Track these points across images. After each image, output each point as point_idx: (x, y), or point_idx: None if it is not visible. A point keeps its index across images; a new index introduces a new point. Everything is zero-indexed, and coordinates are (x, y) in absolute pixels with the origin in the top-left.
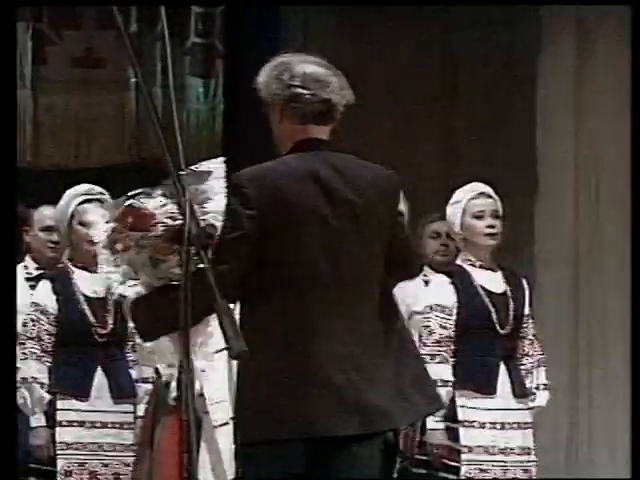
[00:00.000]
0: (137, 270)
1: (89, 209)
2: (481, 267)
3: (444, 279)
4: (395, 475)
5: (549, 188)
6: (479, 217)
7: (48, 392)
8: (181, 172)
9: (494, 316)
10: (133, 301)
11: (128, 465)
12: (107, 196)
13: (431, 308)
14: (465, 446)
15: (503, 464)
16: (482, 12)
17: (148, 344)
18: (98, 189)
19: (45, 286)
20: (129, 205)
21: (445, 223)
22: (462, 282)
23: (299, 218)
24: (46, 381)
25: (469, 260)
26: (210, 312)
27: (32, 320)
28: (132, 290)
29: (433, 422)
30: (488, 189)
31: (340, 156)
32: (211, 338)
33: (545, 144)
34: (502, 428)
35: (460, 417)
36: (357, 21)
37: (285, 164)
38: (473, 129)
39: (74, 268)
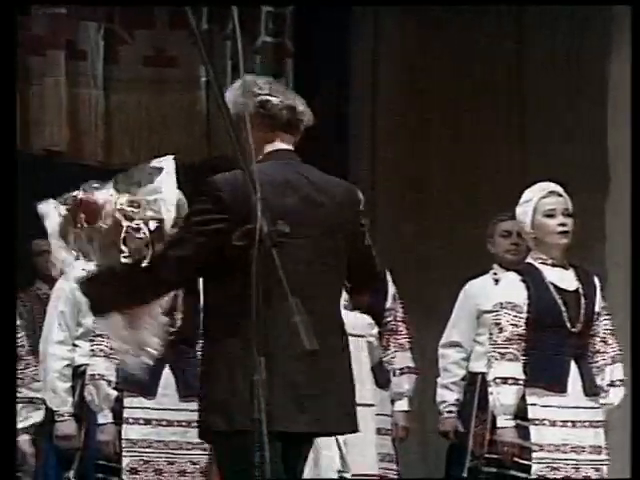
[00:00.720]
0: (87, 256)
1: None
2: (552, 265)
3: (515, 277)
4: (465, 474)
5: (620, 185)
6: (550, 216)
7: (115, 389)
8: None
9: (565, 314)
10: (87, 278)
11: (194, 463)
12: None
13: (501, 306)
14: (536, 444)
15: (575, 462)
16: (551, 11)
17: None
18: None
19: None
20: (78, 197)
21: (516, 222)
22: (533, 280)
23: (272, 219)
24: (113, 378)
25: (540, 258)
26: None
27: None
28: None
29: (504, 420)
30: (558, 188)
31: (308, 167)
32: None
33: (616, 141)
34: (573, 426)
35: (530, 415)
36: (428, 20)
37: (261, 172)
38: (543, 127)
39: None
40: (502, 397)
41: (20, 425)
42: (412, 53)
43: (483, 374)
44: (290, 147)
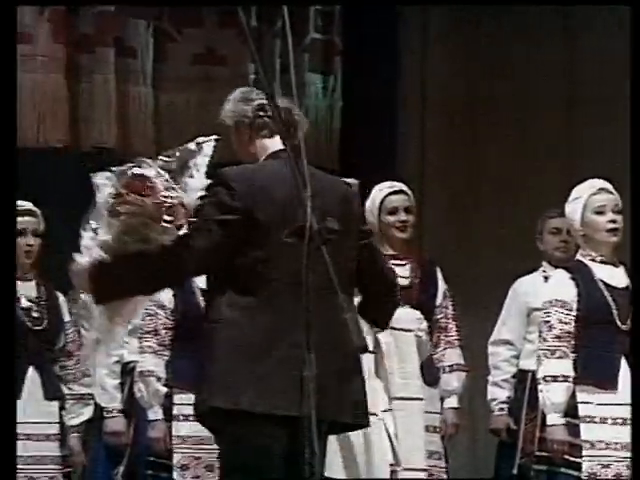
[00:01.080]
0: (132, 232)
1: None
2: (602, 262)
3: (564, 274)
4: (515, 471)
5: None
6: (600, 213)
7: (165, 386)
8: (180, 147)
9: (615, 311)
10: (97, 264)
11: None
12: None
13: (551, 303)
14: (586, 441)
15: (626, 460)
16: (604, 11)
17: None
18: None
19: None
20: (133, 172)
21: (565, 220)
22: (582, 277)
23: (284, 213)
24: (163, 375)
25: (589, 255)
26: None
27: (149, 315)
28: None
29: (554, 418)
30: (608, 185)
31: (307, 165)
32: None
33: None
34: (624, 424)
35: (581, 413)
36: (475, 19)
37: (267, 168)
38: (594, 125)
39: None
40: (552, 395)
41: (71, 422)
42: (461, 53)
43: (533, 372)
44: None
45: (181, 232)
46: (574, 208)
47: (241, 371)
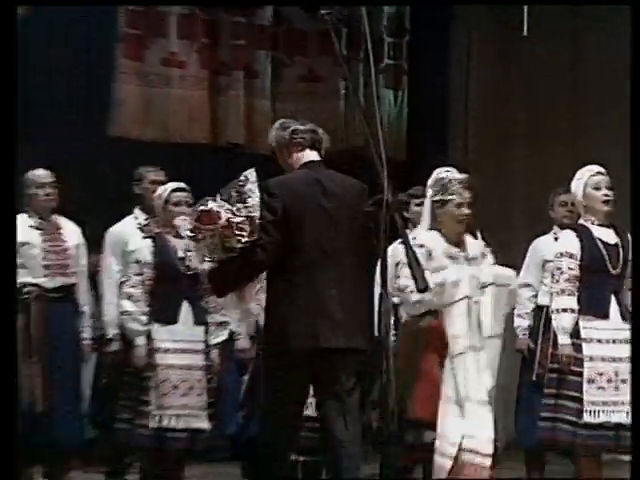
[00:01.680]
0: (209, 251)
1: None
2: (598, 225)
3: (571, 233)
4: (534, 378)
5: None
6: (597, 189)
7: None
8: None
9: (607, 261)
10: (209, 271)
11: None
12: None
13: (562, 255)
14: (587, 356)
15: (615, 369)
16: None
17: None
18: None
19: (146, 242)
20: (200, 209)
21: (570, 195)
22: (585, 236)
23: (309, 208)
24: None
25: (589, 220)
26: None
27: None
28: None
29: (563, 339)
30: (602, 168)
31: (328, 170)
32: None
33: None
34: (614, 343)
35: (583, 335)
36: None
37: (298, 176)
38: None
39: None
40: (562, 322)
41: (212, 342)
42: (499, 65)
43: (547, 306)
44: (316, 159)
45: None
46: (577, 185)
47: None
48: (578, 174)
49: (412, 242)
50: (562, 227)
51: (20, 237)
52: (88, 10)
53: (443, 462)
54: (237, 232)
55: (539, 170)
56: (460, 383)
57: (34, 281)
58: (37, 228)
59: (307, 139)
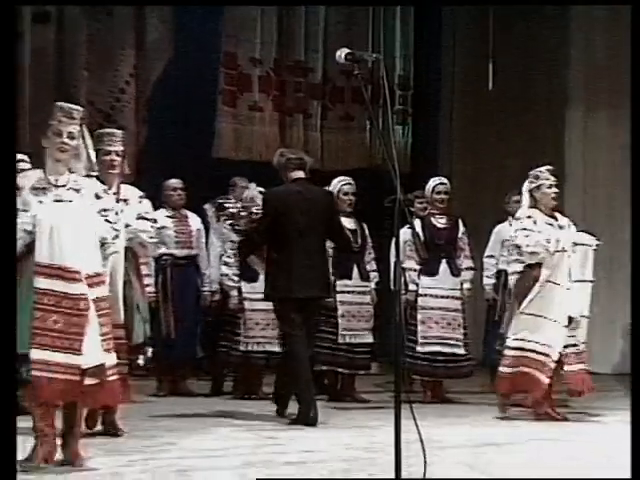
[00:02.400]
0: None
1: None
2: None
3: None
4: (497, 318)
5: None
6: (550, 187)
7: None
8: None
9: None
10: (239, 242)
11: None
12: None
13: (516, 236)
14: None
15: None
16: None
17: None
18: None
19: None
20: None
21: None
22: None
23: (290, 208)
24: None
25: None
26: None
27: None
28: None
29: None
30: (548, 174)
31: (308, 184)
32: None
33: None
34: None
35: None
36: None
37: (287, 187)
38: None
39: None
40: (513, 280)
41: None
42: (472, 112)
43: (505, 270)
44: (302, 176)
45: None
46: (528, 187)
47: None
48: (530, 175)
49: (417, 227)
50: (515, 217)
51: (160, 223)
52: (200, 72)
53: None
54: (242, 219)
55: (502, 176)
56: (555, 310)
57: (169, 252)
58: (171, 217)
59: (296, 164)
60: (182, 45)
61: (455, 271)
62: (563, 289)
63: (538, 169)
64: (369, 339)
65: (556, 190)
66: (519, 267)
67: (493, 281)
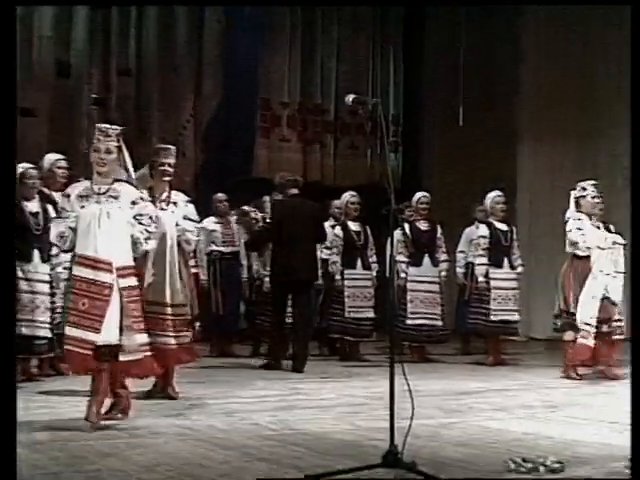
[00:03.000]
0: (246, 229)
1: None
2: (497, 221)
3: (484, 226)
4: (466, 298)
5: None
6: (498, 203)
7: None
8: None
9: (503, 239)
10: (247, 240)
11: None
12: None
13: (482, 236)
14: (492, 286)
15: (506, 293)
16: None
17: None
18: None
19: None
20: (242, 210)
21: (484, 206)
22: (490, 225)
23: (287, 216)
24: None
25: (494, 217)
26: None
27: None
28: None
29: (481, 277)
30: (500, 192)
31: (302, 198)
32: None
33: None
34: (507, 280)
35: (490, 276)
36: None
37: (286, 200)
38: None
39: None
40: (481, 270)
41: None
42: (446, 145)
43: (472, 262)
44: (297, 192)
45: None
46: (487, 202)
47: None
48: (487, 196)
49: (406, 230)
50: (480, 222)
51: (210, 227)
52: (242, 113)
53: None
54: (255, 222)
55: (469, 191)
56: (610, 293)
57: (217, 249)
58: (219, 222)
59: (292, 183)
60: (229, 92)
61: (435, 263)
62: (610, 277)
63: (585, 182)
64: (370, 314)
65: (599, 200)
66: (520, 261)
67: (463, 270)
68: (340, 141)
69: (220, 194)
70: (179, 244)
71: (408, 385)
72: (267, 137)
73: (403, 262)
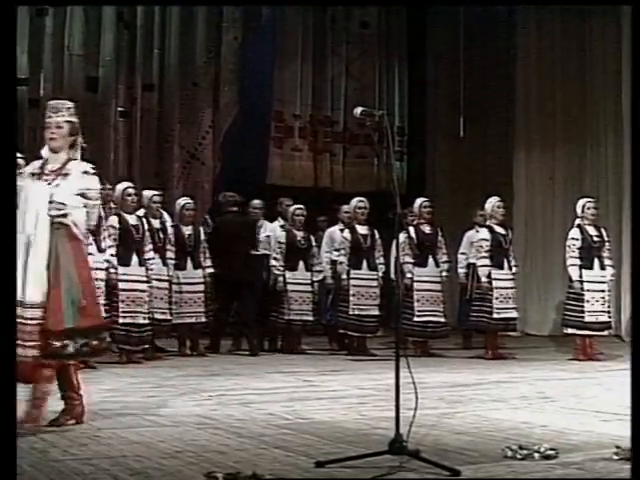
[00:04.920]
0: None
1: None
2: (497, 224)
3: (485, 230)
4: (468, 297)
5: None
6: (499, 207)
7: None
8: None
9: (502, 242)
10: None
11: None
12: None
13: (483, 239)
14: (494, 286)
15: (507, 292)
16: None
17: None
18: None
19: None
20: None
21: (484, 211)
22: (491, 230)
23: (230, 229)
24: None
25: (493, 222)
26: None
27: None
28: None
29: (483, 277)
30: (498, 198)
31: (239, 215)
32: None
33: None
34: (507, 280)
35: (492, 277)
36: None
37: (228, 215)
38: None
39: None
40: (482, 271)
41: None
42: (452, 152)
43: (474, 264)
44: (236, 209)
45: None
46: (487, 207)
47: None
48: (487, 201)
49: (411, 233)
50: (480, 225)
51: None
52: (257, 124)
53: None
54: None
55: (469, 197)
56: None
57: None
58: None
59: (232, 202)
60: (244, 105)
61: (437, 264)
62: None
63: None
64: (375, 312)
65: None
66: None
67: (465, 271)
68: (349, 150)
69: (256, 201)
70: (63, 225)
71: (412, 378)
72: (280, 147)
73: (409, 263)
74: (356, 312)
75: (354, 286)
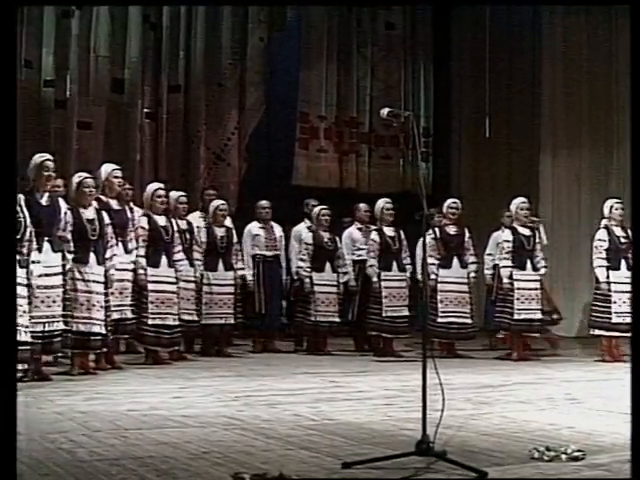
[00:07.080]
0: None
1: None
2: (521, 226)
3: (508, 231)
4: (493, 298)
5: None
6: (522, 209)
7: None
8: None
9: (525, 242)
10: None
11: None
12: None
13: (507, 240)
14: (515, 287)
15: (530, 293)
16: None
17: None
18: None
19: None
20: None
21: (509, 211)
22: (515, 231)
23: None
24: None
25: (518, 223)
26: None
27: None
28: None
29: (505, 277)
30: (525, 199)
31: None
32: None
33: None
34: (527, 281)
35: (514, 277)
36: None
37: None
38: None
39: None
40: (505, 272)
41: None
42: (475, 152)
43: (498, 264)
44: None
45: None
46: (512, 208)
47: None
48: (512, 203)
49: (437, 234)
50: (505, 227)
51: (254, 232)
52: (283, 125)
53: None
54: None
55: (495, 197)
56: None
57: (261, 252)
58: (262, 228)
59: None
60: (270, 107)
61: (463, 264)
62: None
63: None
64: (405, 312)
65: None
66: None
67: (491, 272)
68: (374, 151)
69: (264, 201)
70: None
71: (439, 379)
72: (306, 148)
73: (433, 264)
74: (389, 314)
75: (386, 288)
